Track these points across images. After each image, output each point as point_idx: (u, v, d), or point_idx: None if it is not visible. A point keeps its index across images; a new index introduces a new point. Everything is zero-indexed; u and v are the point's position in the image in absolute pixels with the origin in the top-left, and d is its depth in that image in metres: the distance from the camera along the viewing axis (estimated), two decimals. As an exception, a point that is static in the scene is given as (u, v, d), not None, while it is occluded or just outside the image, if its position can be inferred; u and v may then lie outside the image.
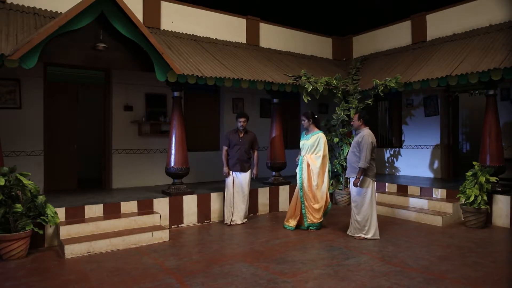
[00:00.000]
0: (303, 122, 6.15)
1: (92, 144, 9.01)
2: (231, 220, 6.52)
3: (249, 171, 6.63)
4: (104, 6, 5.53)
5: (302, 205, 5.97)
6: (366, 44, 10.65)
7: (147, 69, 6.16)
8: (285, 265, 4.46)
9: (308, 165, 5.94)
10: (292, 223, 6.10)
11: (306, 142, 6.01)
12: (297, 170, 6.08)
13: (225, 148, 6.60)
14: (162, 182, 7.77)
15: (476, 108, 10.60)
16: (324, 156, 5.98)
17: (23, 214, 4.83)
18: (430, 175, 9.06)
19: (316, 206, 5.95)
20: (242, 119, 6.50)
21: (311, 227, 6.02)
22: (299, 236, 5.81)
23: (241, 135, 6.57)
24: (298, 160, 6.06)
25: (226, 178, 6.57)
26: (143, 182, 7.84)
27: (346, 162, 6.97)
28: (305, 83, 7.47)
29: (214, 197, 6.86)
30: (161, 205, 6.30)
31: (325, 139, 6.07)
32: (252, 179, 6.75)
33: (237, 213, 6.53)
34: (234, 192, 6.52)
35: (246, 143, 6.56)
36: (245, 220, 6.66)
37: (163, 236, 5.58)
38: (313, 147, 5.95)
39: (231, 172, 6.53)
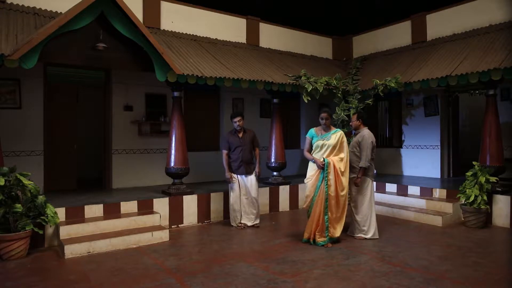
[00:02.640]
0: (325, 120, 5.19)
1: (92, 144, 9.02)
2: (240, 222, 6.23)
3: (254, 172, 6.26)
4: (104, 6, 5.53)
5: (326, 216, 5.13)
6: (366, 44, 10.64)
7: (147, 69, 6.16)
8: (285, 265, 4.46)
9: (335, 168, 5.08)
10: (320, 238, 5.18)
11: (326, 142, 5.15)
12: (311, 174, 5.21)
13: (225, 152, 6.21)
14: (162, 182, 7.77)
15: (476, 108, 10.59)
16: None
17: (23, 214, 4.83)
18: (430, 175, 9.06)
19: (339, 214, 5.21)
20: (236, 119, 6.14)
21: (329, 242, 5.19)
22: (299, 236, 5.80)
23: (241, 135, 6.22)
24: (323, 163, 5.08)
25: (230, 184, 6.21)
26: (143, 182, 7.83)
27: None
28: (305, 83, 7.47)
29: (214, 197, 6.86)
30: (161, 205, 6.29)
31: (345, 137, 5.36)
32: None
33: (246, 216, 6.23)
34: (241, 195, 6.17)
35: (248, 142, 6.21)
36: (258, 221, 6.33)
37: (163, 236, 5.58)
38: (335, 147, 5.14)
39: (234, 176, 6.16)
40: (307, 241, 5.31)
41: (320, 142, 5.20)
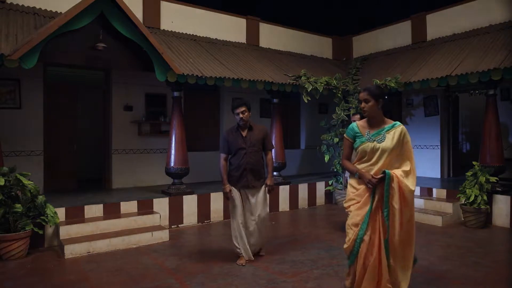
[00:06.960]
0: (364, 103, 3.13)
1: (92, 144, 9.02)
2: (257, 253, 4.68)
3: (264, 185, 4.55)
4: (104, 6, 5.53)
5: (388, 261, 3.05)
6: (366, 44, 10.65)
7: (147, 69, 6.16)
8: (285, 265, 4.46)
9: (401, 187, 3.00)
10: None
11: (378, 145, 3.11)
12: (355, 194, 3.26)
13: (223, 156, 4.51)
14: (162, 182, 7.77)
15: (476, 108, 10.60)
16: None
17: (23, 214, 4.83)
18: (430, 175, 9.06)
19: (406, 259, 3.13)
20: (239, 110, 4.33)
21: None
22: (299, 236, 5.80)
23: (245, 134, 4.45)
24: (377, 179, 3.04)
25: (229, 198, 4.48)
26: (143, 182, 7.83)
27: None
28: (305, 83, 7.47)
29: (214, 197, 6.85)
30: (161, 205, 6.29)
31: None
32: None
33: (254, 243, 4.59)
34: (247, 218, 4.50)
35: (255, 143, 4.43)
36: (260, 248, 4.75)
37: (163, 236, 5.58)
38: (395, 153, 3.13)
39: (235, 190, 4.46)
40: None
41: (369, 145, 3.14)
